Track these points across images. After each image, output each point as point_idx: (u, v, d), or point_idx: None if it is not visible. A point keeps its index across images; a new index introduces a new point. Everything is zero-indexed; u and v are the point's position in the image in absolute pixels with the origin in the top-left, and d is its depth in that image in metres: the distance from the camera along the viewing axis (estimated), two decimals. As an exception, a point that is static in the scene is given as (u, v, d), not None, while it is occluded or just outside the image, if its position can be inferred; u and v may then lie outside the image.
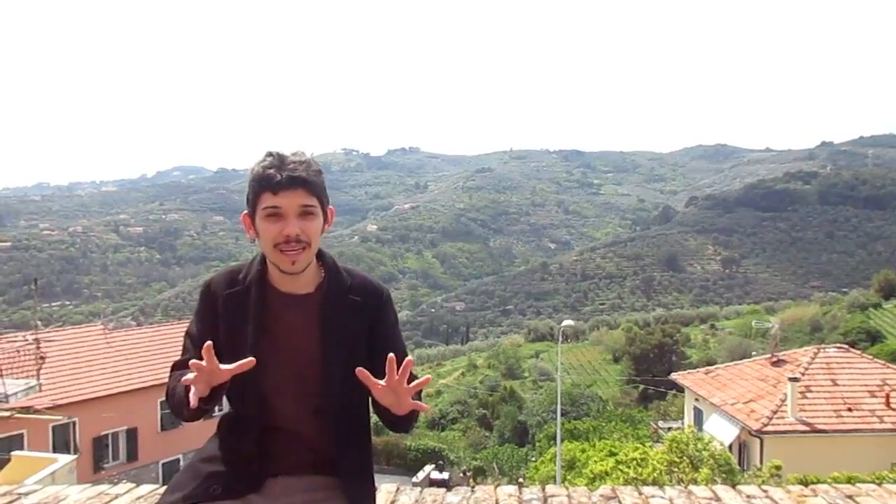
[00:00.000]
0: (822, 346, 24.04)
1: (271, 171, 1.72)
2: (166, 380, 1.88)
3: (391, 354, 1.68)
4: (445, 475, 24.08)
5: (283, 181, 1.71)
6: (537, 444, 30.74)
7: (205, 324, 1.86)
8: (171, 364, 1.92)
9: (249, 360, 1.65)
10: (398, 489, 2.83)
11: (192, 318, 1.91)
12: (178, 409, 1.76)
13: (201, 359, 1.73)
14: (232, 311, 1.83)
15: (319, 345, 1.81)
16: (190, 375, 1.67)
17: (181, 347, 1.91)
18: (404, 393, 1.69)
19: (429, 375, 1.78)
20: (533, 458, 27.84)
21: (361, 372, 1.65)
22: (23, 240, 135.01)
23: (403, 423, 1.77)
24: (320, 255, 1.88)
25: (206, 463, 1.84)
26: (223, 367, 1.65)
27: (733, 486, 2.78)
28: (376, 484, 2.02)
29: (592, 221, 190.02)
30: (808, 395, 19.00)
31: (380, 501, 2.57)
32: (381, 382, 1.68)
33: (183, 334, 1.93)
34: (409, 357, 1.70)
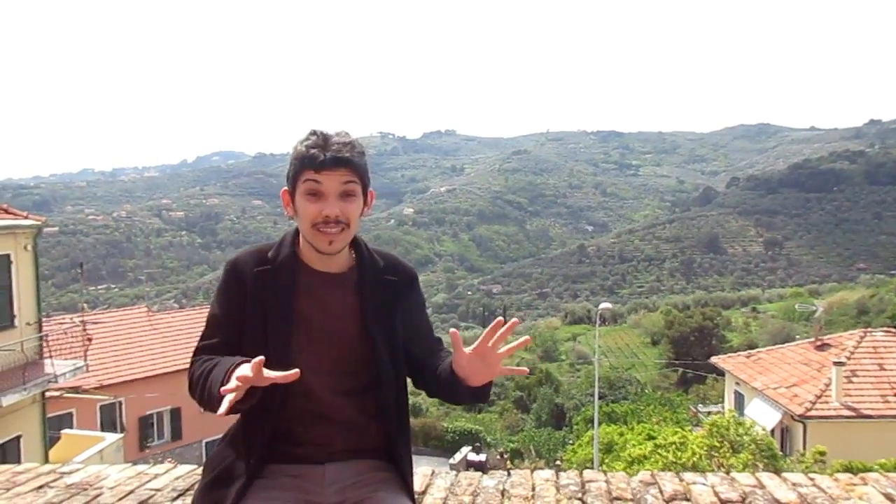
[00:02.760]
0: (869, 329, 23.40)
1: (315, 150, 1.69)
2: (194, 351, 1.79)
3: (499, 318, 1.66)
4: (482, 457, 24.18)
5: (327, 161, 1.68)
6: (574, 427, 30.62)
7: (232, 303, 1.78)
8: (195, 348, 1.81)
9: (295, 373, 1.54)
10: (433, 473, 2.82)
11: (216, 299, 1.82)
12: (207, 402, 1.65)
13: (231, 341, 1.72)
14: (261, 289, 1.76)
15: (361, 324, 1.77)
16: (231, 385, 1.53)
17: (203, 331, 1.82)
18: (497, 357, 1.64)
19: (528, 337, 1.75)
20: (570, 442, 27.76)
21: (454, 334, 1.68)
22: (69, 225, 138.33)
23: (480, 394, 1.71)
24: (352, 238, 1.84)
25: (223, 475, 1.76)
26: (267, 373, 1.54)
27: (778, 473, 2.71)
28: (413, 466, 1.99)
29: (631, 203, 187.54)
30: (854, 379, 18.57)
31: (415, 485, 2.57)
32: (469, 349, 1.65)
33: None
34: (515, 320, 1.72)
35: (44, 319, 16.26)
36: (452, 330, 1.71)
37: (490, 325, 1.64)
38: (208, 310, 1.86)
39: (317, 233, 1.71)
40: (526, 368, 1.85)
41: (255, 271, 1.78)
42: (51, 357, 14.75)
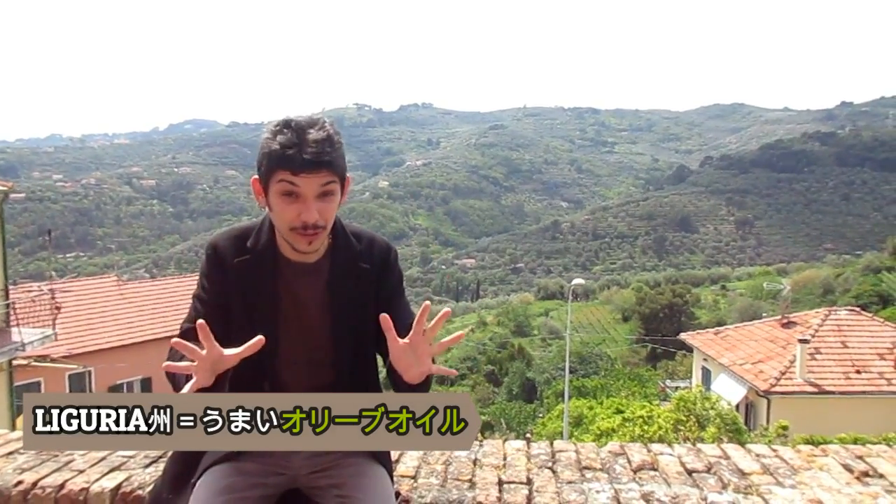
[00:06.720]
0: (834, 308, 23.94)
1: (291, 150, 1.56)
2: (178, 332, 1.74)
3: (426, 303, 1.56)
4: (454, 429, 24.39)
5: (305, 164, 1.56)
6: (545, 400, 31.05)
7: (215, 289, 1.77)
8: (181, 324, 1.80)
9: (259, 340, 1.52)
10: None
11: (199, 282, 1.80)
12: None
13: (211, 322, 1.56)
14: (243, 280, 1.73)
15: (329, 317, 1.77)
16: (185, 363, 1.53)
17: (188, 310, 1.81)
18: (426, 353, 1.58)
19: (462, 332, 1.73)
20: (540, 415, 28.16)
21: (385, 319, 1.53)
22: (37, 191, 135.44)
23: (418, 391, 1.63)
24: None
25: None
26: (228, 352, 1.52)
27: (742, 445, 2.78)
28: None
29: (605, 180, 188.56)
30: (818, 356, 19.02)
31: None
32: (403, 340, 1.56)
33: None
34: (447, 310, 1.54)
35: (10, 287, 15.99)
36: (426, 303, 1.59)
37: (419, 312, 1.57)
38: (194, 289, 1.84)
39: (296, 235, 1.64)
40: (455, 370, 1.79)
41: (236, 262, 1.76)
42: (18, 325, 14.53)
